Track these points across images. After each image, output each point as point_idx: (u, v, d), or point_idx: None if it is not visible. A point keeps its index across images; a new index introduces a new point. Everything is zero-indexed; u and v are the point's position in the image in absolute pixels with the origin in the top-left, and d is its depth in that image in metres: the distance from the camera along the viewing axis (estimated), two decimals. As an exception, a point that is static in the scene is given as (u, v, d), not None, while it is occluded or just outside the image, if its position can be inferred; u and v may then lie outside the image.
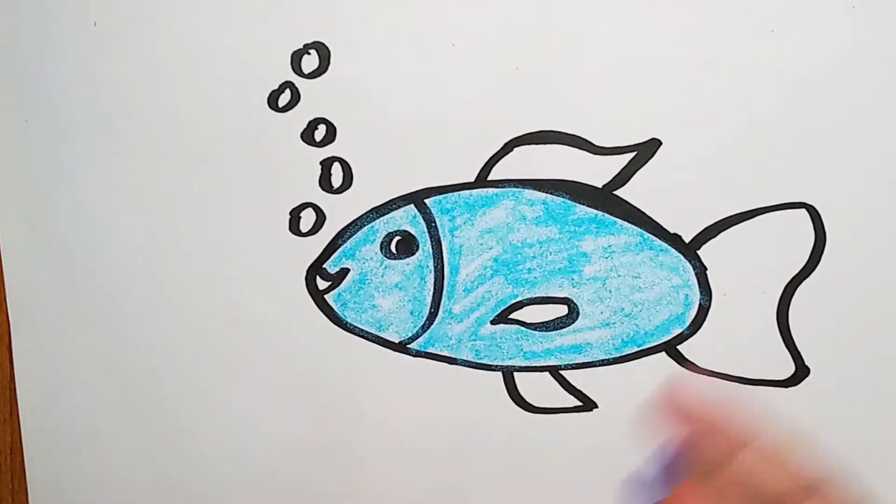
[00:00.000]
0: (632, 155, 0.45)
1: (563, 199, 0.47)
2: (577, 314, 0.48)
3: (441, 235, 0.48)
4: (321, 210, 0.49)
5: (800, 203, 0.45)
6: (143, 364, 0.53)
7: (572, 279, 0.47)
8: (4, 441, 0.55)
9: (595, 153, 0.46)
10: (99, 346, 0.53)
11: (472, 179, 0.47)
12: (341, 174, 0.48)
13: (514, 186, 0.47)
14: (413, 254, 0.49)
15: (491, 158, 0.46)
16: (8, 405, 0.54)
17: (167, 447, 0.54)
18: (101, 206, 0.51)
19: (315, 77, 0.47)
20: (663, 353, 0.48)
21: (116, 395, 0.53)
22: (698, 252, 0.46)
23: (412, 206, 0.48)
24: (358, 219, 0.48)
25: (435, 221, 0.48)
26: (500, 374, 0.50)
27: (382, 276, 0.49)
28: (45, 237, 0.51)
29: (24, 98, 0.50)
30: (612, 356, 0.48)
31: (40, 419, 0.54)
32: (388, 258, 0.49)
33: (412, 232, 0.48)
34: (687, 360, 0.48)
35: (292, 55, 0.47)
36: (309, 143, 0.48)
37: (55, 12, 0.48)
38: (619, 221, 0.46)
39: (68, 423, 0.54)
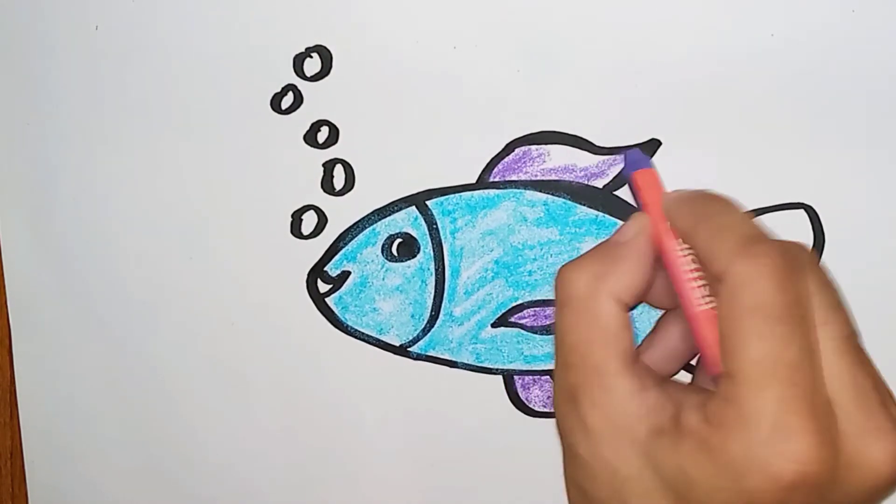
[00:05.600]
0: (632, 155, 0.46)
1: (563, 200, 0.47)
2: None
3: (442, 237, 0.48)
4: (323, 212, 0.49)
5: (798, 203, 0.45)
6: (143, 367, 0.53)
7: (573, 281, 0.48)
8: (4, 444, 0.55)
9: (596, 154, 0.46)
10: (100, 349, 0.53)
11: (474, 181, 0.47)
12: (343, 176, 0.48)
13: (515, 188, 0.47)
14: (414, 256, 0.49)
15: (492, 159, 0.47)
16: (8, 408, 0.54)
17: (168, 451, 0.54)
18: (102, 209, 0.51)
19: (317, 80, 0.47)
20: (664, 355, 0.48)
21: (117, 398, 0.53)
22: (698, 253, 0.46)
23: (413, 207, 0.48)
24: (359, 221, 0.49)
25: (436, 223, 0.48)
26: (500, 377, 0.50)
27: (383, 278, 0.49)
28: (46, 240, 0.52)
29: (25, 100, 0.50)
30: (613, 358, 0.48)
31: (41, 422, 0.54)
32: (390, 261, 0.49)
33: (413, 234, 0.48)
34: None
35: (294, 58, 0.47)
36: (312, 146, 0.48)
37: (56, 15, 0.49)
38: (620, 223, 0.47)
39: (69, 426, 0.54)
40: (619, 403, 0.25)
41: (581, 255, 0.28)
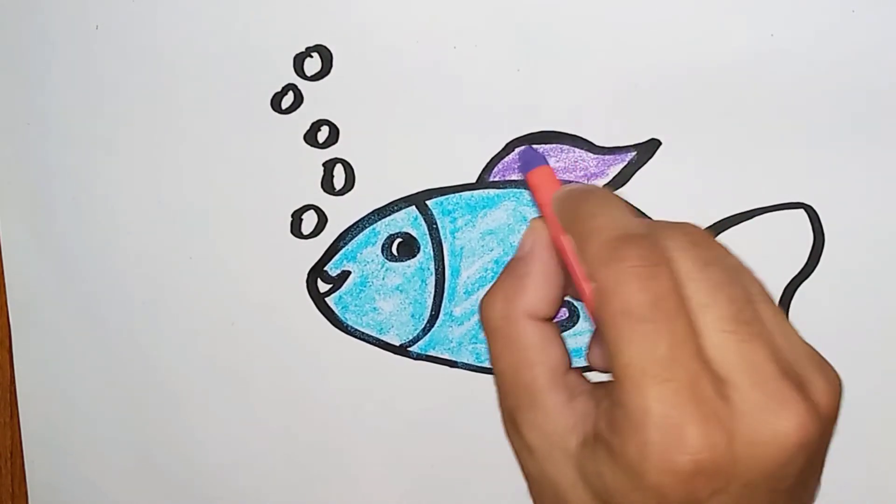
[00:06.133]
0: (631, 155, 0.46)
1: (563, 200, 0.47)
2: (578, 317, 0.48)
3: (442, 237, 0.48)
4: (323, 212, 0.49)
5: (798, 203, 0.45)
6: (143, 367, 0.52)
7: (573, 281, 0.48)
8: (4, 444, 0.55)
9: (595, 153, 0.46)
10: (100, 349, 0.53)
11: (474, 181, 0.47)
12: (343, 176, 0.48)
13: (515, 187, 0.47)
14: (414, 256, 0.49)
15: (492, 159, 0.47)
16: (8, 408, 0.54)
17: (168, 451, 0.53)
18: (102, 210, 0.51)
19: (318, 80, 0.47)
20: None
21: (117, 398, 0.53)
22: (698, 253, 0.47)
23: (413, 207, 0.48)
24: (359, 221, 0.49)
25: (436, 223, 0.48)
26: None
27: (383, 278, 0.49)
28: (47, 240, 0.52)
29: (26, 101, 0.50)
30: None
31: (41, 422, 0.54)
32: (390, 260, 0.49)
33: (413, 234, 0.48)
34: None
35: (294, 58, 0.47)
36: (312, 145, 0.48)
37: (56, 15, 0.49)
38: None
39: (69, 426, 0.54)
40: (551, 419, 0.26)
41: (495, 280, 0.28)
